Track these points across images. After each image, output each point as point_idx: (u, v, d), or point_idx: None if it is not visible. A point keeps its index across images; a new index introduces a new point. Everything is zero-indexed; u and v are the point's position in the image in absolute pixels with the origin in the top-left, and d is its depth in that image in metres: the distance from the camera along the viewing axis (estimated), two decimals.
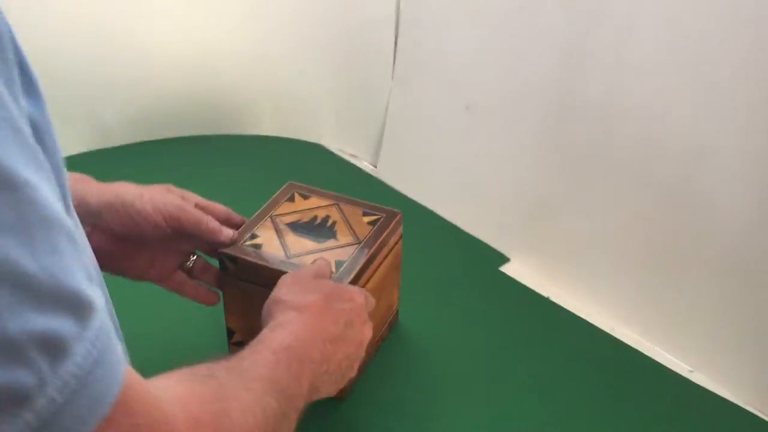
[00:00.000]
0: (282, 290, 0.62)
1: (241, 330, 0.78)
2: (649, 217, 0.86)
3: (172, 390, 0.39)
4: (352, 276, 0.70)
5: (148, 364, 0.65)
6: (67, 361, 0.30)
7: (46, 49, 1.10)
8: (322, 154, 1.25)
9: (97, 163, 1.15)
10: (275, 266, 0.71)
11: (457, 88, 1.04)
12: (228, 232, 0.72)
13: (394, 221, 0.79)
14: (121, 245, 0.68)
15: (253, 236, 0.75)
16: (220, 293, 0.77)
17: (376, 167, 1.20)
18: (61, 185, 0.36)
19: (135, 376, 0.35)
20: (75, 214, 0.41)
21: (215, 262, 0.76)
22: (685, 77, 0.79)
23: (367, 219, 0.79)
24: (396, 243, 0.81)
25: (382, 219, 0.79)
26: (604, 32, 0.85)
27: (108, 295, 0.49)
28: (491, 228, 1.03)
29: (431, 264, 0.98)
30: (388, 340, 0.85)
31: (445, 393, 0.79)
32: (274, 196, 0.82)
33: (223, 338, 0.79)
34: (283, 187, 0.84)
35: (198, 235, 0.70)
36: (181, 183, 1.09)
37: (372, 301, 0.67)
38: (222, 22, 1.23)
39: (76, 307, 0.31)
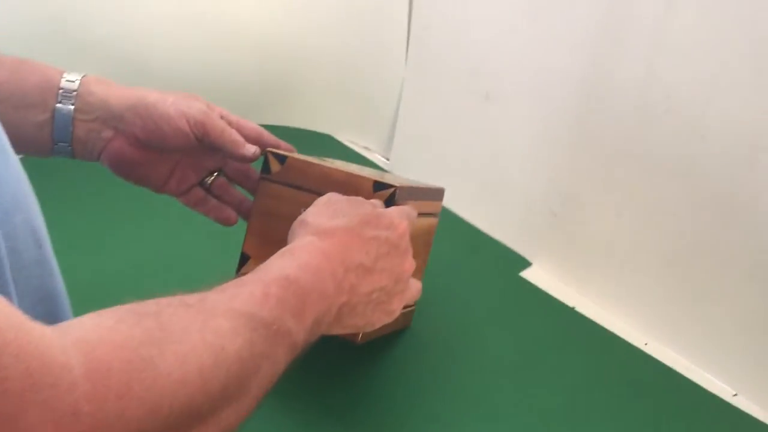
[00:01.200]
0: (310, 211, 0.57)
1: (261, 256, 0.71)
2: (689, 221, 0.78)
3: (83, 333, 0.34)
4: (400, 183, 0.65)
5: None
6: None
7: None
8: (333, 146, 1.18)
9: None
10: (328, 165, 0.66)
11: (475, 75, 0.95)
12: (251, 148, 0.67)
13: (438, 190, 0.76)
14: (143, 152, 0.65)
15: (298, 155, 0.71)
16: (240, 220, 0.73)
17: (388, 160, 1.12)
18: None
19: (9, 321, 0.30)
20: None
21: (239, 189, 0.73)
22: (736, 62, 0.70)
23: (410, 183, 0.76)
24: (435, 212, 0.76)
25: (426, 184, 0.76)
26: (641, 8, 0.76)
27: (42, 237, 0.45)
28: (511, 229, 0.95)
29: (444, 267, 0.91)
30: (397, 343, 0.79)
31: (454, 407, 0.72)
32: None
33: (231, 270, 0.72)
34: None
35: (221, 146, 0.66)
36: None
37: (414, 214, 0.62)
38: (228, 9, 1.16)
39: None
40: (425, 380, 0.76)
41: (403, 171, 1.08)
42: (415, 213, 0.62)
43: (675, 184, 0.78)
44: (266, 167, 0.68)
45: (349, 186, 0.66)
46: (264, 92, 1.24)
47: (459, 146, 1.01)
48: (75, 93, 0.61)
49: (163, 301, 0.40)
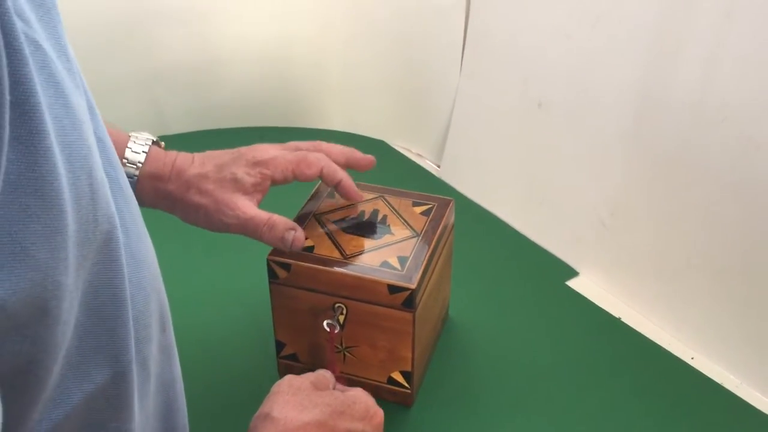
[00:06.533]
0: (274, 402, 0.51)
1: (293, 343, 0.73)
2: (741, 233, 0.76)
3: None
4: (420, 273, 0.65)
5: (197, 387, 0.62)
6: None
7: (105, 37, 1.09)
8: (385, 151, 1.19)
9: None
10: (337, 268, 0.66)
11: (529, 83, 0.95)
12: (289, 239, 0.66)
13: (448, 209, 0.74)
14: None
15: None
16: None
17: (439, 167, 1.13)
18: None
19: None
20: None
21: None
22: None
23: (418, 209, 0.74)
24: (450, 232, 0.76)
25: (435, 207, 0.74)
26: (699, 17, 0.75)
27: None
28: (560, 238, 0.94)
29: (491, 273, 0.91)
30: (437, 347, 0.80)
31: (493, 411, 0.72)
32: (310, 193, 0.77)
33: (272, 352, 0.75)
34: (318, 183, 0.78)
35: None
36: None
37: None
38: (290, 12, 1.19)
39: None
40: (465, 384, 0.76)
41: (452, 177, 1.08)
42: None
43: (728, 195, 0.76)
44: (273, 273, 0.68)
45: (361, 290, 0.65)
46: (319, 98, 1.27)
47: (510, 154, 1.01)
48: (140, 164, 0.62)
49: None
